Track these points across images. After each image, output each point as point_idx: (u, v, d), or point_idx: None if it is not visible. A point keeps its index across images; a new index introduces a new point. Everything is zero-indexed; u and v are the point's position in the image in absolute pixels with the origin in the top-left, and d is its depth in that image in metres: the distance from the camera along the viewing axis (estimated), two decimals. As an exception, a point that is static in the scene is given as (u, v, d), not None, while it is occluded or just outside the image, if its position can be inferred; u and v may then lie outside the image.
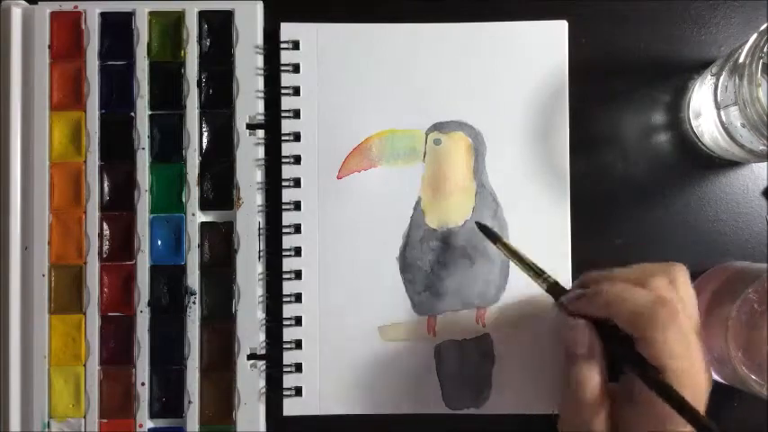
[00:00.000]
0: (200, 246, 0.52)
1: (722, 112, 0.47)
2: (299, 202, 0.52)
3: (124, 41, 0.53)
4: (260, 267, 0.52)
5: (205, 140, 0.53)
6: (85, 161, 0.52)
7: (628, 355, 0.43)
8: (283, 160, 0.53)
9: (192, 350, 0.52)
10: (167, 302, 0.52)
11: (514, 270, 0.52)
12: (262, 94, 0.53)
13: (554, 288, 0.48)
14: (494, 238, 0.51)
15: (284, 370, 0.52)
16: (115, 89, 0.53)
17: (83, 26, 0.52)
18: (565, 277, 0.52)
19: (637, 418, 0.43)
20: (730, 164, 0.52)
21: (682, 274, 0.45)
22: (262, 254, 0.52)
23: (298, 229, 0.52)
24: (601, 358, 0.44)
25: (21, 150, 0.52)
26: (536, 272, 0.48)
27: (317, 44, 0.53)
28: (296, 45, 0.53)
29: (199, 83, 0.53)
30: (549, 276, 0.48)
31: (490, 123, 0.52)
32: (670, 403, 0.41)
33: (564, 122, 0.52)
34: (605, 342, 0.44)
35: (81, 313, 0.52)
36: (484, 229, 0.51)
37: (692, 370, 0.42)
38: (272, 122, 0.53)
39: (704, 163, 0.53)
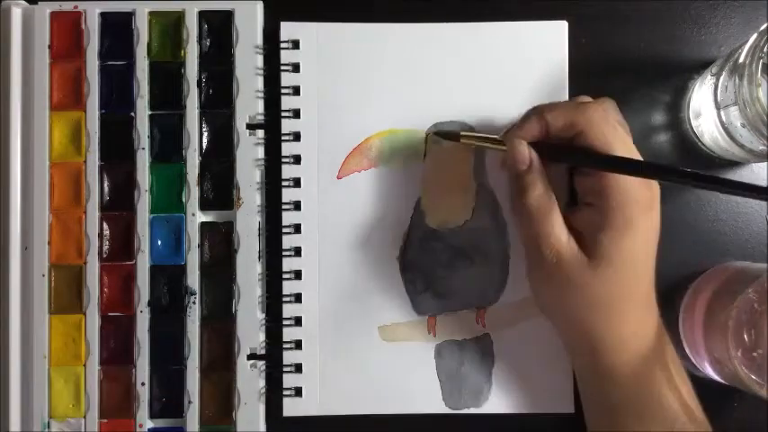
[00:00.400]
0: (200, 246, 0.52)
1: (722, 112, 0.47)
2: (299, 202, 0.52)
3: (124, 41, 0.53)
4: (260, 267, 0.52)
5: (205, 140, 0.53)
6: (85, 161, 0.52)
7: (569, 151, 0.47)
8: (283, 160, 0.52)
9: (192, 350, 0.52)
10: (167, 302, 0.52)
11: (514, 270, 0.52)
12: (262, 94, 0.53)
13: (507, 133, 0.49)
14: (454, 136, 0.51)
15: (284, 370, 0.52)
16: (115, 89, 0.53)
17: (83, 26, 0.52)
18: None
19: (597, 215, 0.45)
20: (730, 164, 0.52)
21: (610, 102, 0.48)
22: (262, 254, 0.52)
23: (297, 229, 0.52)
24: (540, 169, 0.47)
25: (21, 150, 0.52)
26: (490, 140, 0.50)
27: (316, 44, 0.53)
28: (296, 45, 0.53)
29: (199, 83, 0.53)
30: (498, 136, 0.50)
31: (490, 123, 0.52)
32: (626, 171, 0.44)
33: (564, 122, 0.52)
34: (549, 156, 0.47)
35: (81, 313, 0.52)
36: (441, 133, 0.52)
37: (630, 153, 0.45)
38: (272, 122, 0.53)
39: (704, 163, 0.53)
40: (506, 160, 0.48)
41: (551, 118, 0.46)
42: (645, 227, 0.45)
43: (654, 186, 0.45)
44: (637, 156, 0.46)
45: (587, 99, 0.48)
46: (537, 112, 0.47)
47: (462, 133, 0.50)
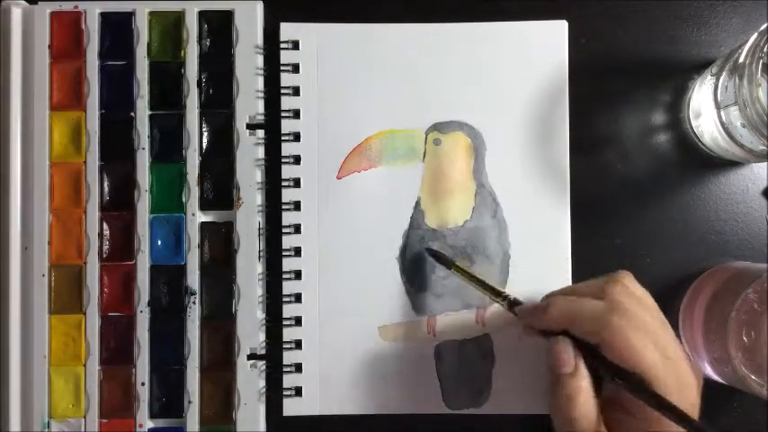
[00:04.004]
0: (200, 246, 0.52)
1: (722, 112, 0.47)
2: (299, 202, 0.52)
3: (124, 41, 0.53)
4: (260, 267, 0.52)
5: (205, 140, 0.53)
6: (85, 161, 0.52)
7: (601, 363, 0.43)
8: (283, 160, 0.53)
9: (192, 350, 0.52)
10: (167, 302, 0.52)
11: (514, 270, 0.52)
12: (262, 94, 0.53)
13: (513, 305, 0.48)
14: (448, 263, 0.51)
15: (284, 370, 0.52)
16: (115, 89, 0.53)
17: (83, 26, 0.52)
18: (565, 277, 0.52)
19: (631, 424, 0.43)
20: (730, 164, 0.52)
21: (628, 277, 0.46)
22: (262, 254, 0.52)
23: (297, 229, 0.52)
24: (587, 375, 0.44)
25: (21, 150, 0.52)
26: (495, 292, 0.49)
27: (316, 44, 0.53)
28: (296, 45, 0.53)
29: (199, 83, 0.53)
30: (509, 295, 0.49)
31: (490, 123, 0.52)
32: (646, 399, 0.41)
33: (564, 122, 0.52)
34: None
35: (81, 313, 0.52)
36: (435, 255, 0.52)
37: (673, 370, 0.42)
38: (271, 122, 0.53)
39: (704, 163, 0.53)
40: (524, 331, 0.47)
41: (572, 321, 0.44)
42: None
43: (691, 394, 0.43)
44: (668, 349, 0.43)
45: (611, 293, 0.44)
46: (558, 308, 0.45)
47: (458, 265, 0.51)
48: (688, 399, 0.42)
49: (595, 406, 0.43)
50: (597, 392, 0.44)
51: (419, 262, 0.52)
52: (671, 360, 0.42)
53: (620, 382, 0.42)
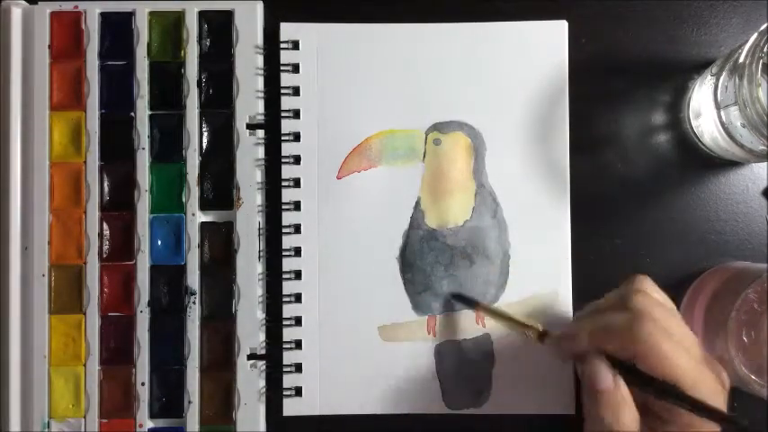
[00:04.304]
0: (200, 246, 0.52)
1: (722, 112, 0.47)
2: (299, 202, 0.52)
3: (124, 41, 0.53)
4: (260, 267, 0.52)
5: (205, 140, 0.53)
6: (85, 161, 0.52)
7: (637, 377, 0.43)
8: (283, 160, 0.53)
9: (192, 350, 0.52)
10: (167, 302, 0.52)
11: (514, 270, 0.52)
12: (262, 94, 0.53)
13: (543, 335, 0.48)
14: (472, 303, 0.52)
15: (284, 370, 0.52)
16: (115, 89, 0.53)
17: (83, 26, 0.52)
18: (565, 277, 0.52)
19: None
20: (730, 164, 0.52)
21: (647, 281, 0.46)
22: (262, 254, 0.52)
23: (297, 229, 0.52)
24: (624, 383, 0.43)
25: (21, 150, 0.52)
26: (522, 325, 0.49)
27: (316, 44, 0.53)
28: (295, 45, 0.53)
29: (199, 83, 0.53)
30: (537, 325, 0.48)
31: (490, 123, 0.53)
32: (689, 407, 0.41)
33: (564, 122, 0.52)
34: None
35: (81, 313, 0.52)
36: (460, 298, 0.52)
37: (698, 367, 0.42)
38: (271, 122, 0.53)
39: (704, 163, 0.53)
40: (557, 357, 0.48)
41: (603, 340, 0.44)
42: None
43: (725, 385, 0.43)
44: (698, 358, 0.43)
45: (636, 303, 0.44)
46: (586, 330, 0.45)
47: (483, 304, 0.51)
48: (719, 400, 0.42)
49: (637, 417, 0.43)
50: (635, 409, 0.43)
51: (419, 262, 0.52)
52: (701, 365, 0.42)
53: (660, 393, 0.42)
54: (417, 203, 0.52)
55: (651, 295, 0.45)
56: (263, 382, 0.52)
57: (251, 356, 0.52)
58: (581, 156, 0.53)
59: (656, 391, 0.42)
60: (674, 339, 0.42)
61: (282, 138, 0.53)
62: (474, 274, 0.52)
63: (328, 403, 0.52)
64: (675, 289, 0.52)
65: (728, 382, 0.44)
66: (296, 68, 0.53)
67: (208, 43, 0.53)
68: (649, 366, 0.42)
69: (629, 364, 0.43)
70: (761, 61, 0.43)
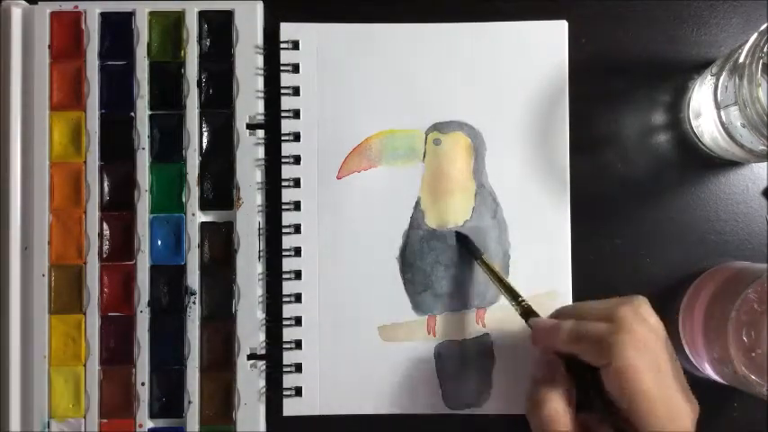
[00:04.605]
0: (200, 246, 0.52)
1: (722, 112, 0.47)
2: (299, 202, 0.52)
3: (124, 41, 0.53)
4: (260, 267, 0.52)
5: (205, 140, 0.53)
6: (85, 161, 0.52)
7: (586, 389, 0.44)
8: (283, 160, 0.52)
9: (192, 350, 0.52)
10: (167, 302, 0.52)
11: (514, 270, 0.52)
12: (262, 94, 0.53)
13: (527, 313, 0.48)
14: (475, 253, 0.51)
15: (284, 370, 0.52)
16: (115, 89, 0.53)
17: (83, 26, 0.52)
18: (565, 277, 0.52)
19: None
20: (730, 164, 0.52)
21: (645, 304, 0.45)
22: (262, 254, 0.52)
23: (298, 229, 0.52)
24: (563, 384, 0.44)
25: (21, 150, 0.52)
26: (512, 294, 0.49)
27: (316, 44, 0.53)
28: (295, 45, 0.53)
29: (199, 83, 0.53)
30: (524, 301, 0.49)
31: (490, 123, 0.53)
32: None
33: (564, 122, 0.52)
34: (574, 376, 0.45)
35: (81, 313, 0.52)
36: (464, 241, 0.52)
37: (667, 399, 0.42)
38: (271, 122, 0.53)
39: (704, 163, 0.53)
40: (532, 343, 0.47)
41: (583, 338, 0.44)
42: None
43: (690, 416, 0.43)
44: (673, 391, 0.43)
45: (625, 320, 0.44)
46: (570, 327, 0.45)
47: (484, 258, 0.51)
48: (678, 428, 0.42)
49: (567, 417, 0.43)
50: (573, 406, 0.44)
51: (419, 262, 0.52)
52: (667, 390, 0.42)
53: (608, 413, 0.43)
54: (417, 203, 0.52)
55: (642, 314, 0.44)
56: (263, 382, 0.52)
57: (251, 356, 0.52)
58: (581, 156, 0.53)
59: (600, 408, 0.43)
60: (646, 356, 0.42)
61: (282, 138, 0.53)
62: (474, 274, 0.52)
63: (328, 403, 0.52)
64: (675, 289, 0.52)
65: (696, 416, 0.43)
66: (296, 68, 0.53)
67: (208, 43, 0.53)
68: (613, 375, 0.42)
69: (593, 373, 0.43)
70: (761, 61, 0.43)
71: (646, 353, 0.42)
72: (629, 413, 0.41)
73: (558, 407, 0.43)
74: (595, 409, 0.45)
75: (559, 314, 0.47)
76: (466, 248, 0.52)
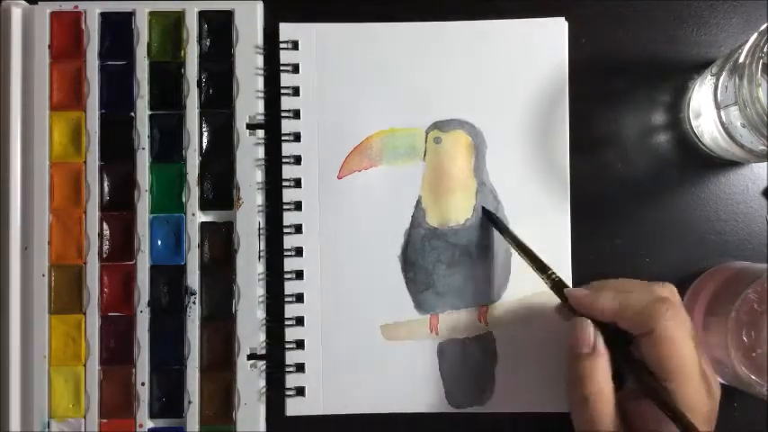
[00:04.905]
0: (200, 246, 0.52)
1: (722, 112, 0.47)
2: (300, 202, 0.52)
3: (124, 41, 0.53)
4: (260, 267, 0.52)
5: (205, 140, 0.53)
6: (85, 161, 0.52)
7: (627, 357, 0.44)
8: (283, 160, 0.52)
9: (192, 350, 0.52)
10: (167, 302, 0.52)
11: (516, 268, 0.52)
12: (262, 94, 0.53)
13: (558, 286, 0.48)
14: (501, 227, 0.51)
15: (286, 370, 0.52)
16: (115, 89, 0.53)
17: (83, 26, 0.52)
18: (565, 276, 0.52)
19: (644, 416, 0.44)
20: (730, 164, 0.53)
21: (675, 291, 0.46)
22: (262, 254, 0.52)
23: (299, 229, 0.52)
24: (605, 355, 0.45)
25: (21, 150, 0.52)
26: (541, 267, 0.49)
27: (315, 44, 0.53)
28: (295, 45, 0.53)
29: (199, 83, 0.53)
30: (554, 273, 0.49)
31: (490, 122, 0.53)
32: (663, 410, 0.42)
33: (564, 122, 0.52)
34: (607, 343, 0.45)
35: (81, 313, 0.52)
36: (491, 216, 0.52)
37: (702, 370, 0.43)
38: (271, 122, 0.53)
39: (704, 163, 0.53)
40: (560, 311, 0.48)
41: (623, 306, 0.44)
42: None
43: (716, 397, 0.44)
44: (701, 362, 0.44)
45: (662, 293, 0.45)
46: (611, 292, 0.45)
47: (512, 232, 0.51)
48: (711, 402, 0.43)
49: (611, 387, 0.44)
50: (616, 379, 0.44)
51: (420, 261, 0.52)
52: (701, 364, 0.43)
53: (642, 380, 0.43)
54: (418, 202, 0.52)
55: (674, 293, 0.46)
56: (263, 382, 0.52)
57: (251, 356, 0.52)
58: (581, 156, 0.53)
59: (639, 377, 0.43)
60: (687, 331, 0.43)
61: (282, 138, 0.53)
62: (476, 273, 0.52)
63: (331, 403, 0.52)
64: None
65: (718, 397, 0.44)
66: (296, 68, 0.53)
67: (208, 43, 0.53)
68: (655, 345, 0.43)
69: (628, 340, 0.44)
70: (761, 61, 0.44)
71: (685, 326, 0.43)
72: (669, 379, 0.42)
73: (604, 381, 0.44)
74: (629, 382, 0.46)
75: (591, 287, 0.48)
76: (493, 223, 0.52)
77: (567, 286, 0.48)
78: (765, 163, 0.52)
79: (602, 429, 0.44)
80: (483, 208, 0.52)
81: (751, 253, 0.53)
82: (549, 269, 0.49)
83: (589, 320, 0.45)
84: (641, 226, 0.53)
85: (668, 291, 0.45)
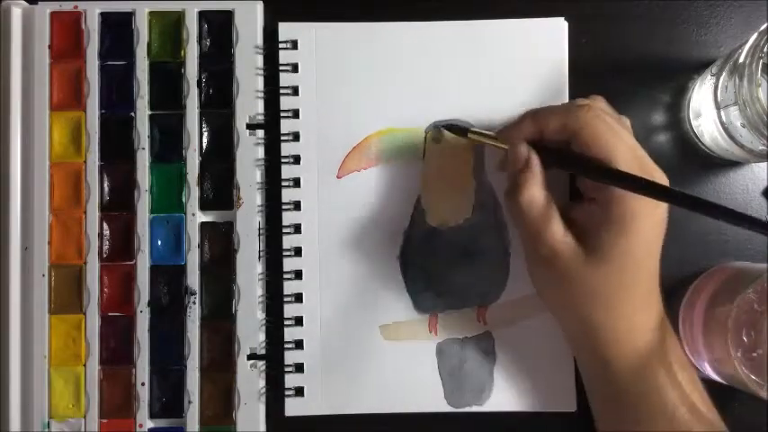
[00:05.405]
0: (200, 246, 0.52)
1: (722, 112, 0.47)
2: (299, 201, 0.52)
3: (124, 41, 0.53)
4: (260, 267, 0.52)
5: (205, 140, 0.53)
6: (85, 161, 0.52)
7: (568, 158, 0.46)
8: (283, 160, 0.52)
9: (192, 350, 0.52)
10: (167, 302, 0.52)
11: (515, 268, 0.52)
12: (262, 94, 0.53)
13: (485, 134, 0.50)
14: (463, 131, 0.50)
15: (285, 370, 0.52)
16: (115, 89, 0.53)
17: (83, 26, 0.52)
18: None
19: (598, 210, 0.46)
20: (730, 164, 0.52)
21: (601, 99, 0.49)
22: (262, 254, 0.52)
23: (298, 229, 0.52)
24: (536, 168, 0.46)
25: (21, 150, 0.52)
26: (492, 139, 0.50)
27: (315, 44, 0.53)
28: (294, 45, 0.53)
29: (199, 83, 0.53)
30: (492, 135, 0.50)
31: (490, 122, 0.52)
32: (621, 184, 0.44)
33: (564, 122, 0.52)
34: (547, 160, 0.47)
35: (81, 313, 0.52)
36: (449, 127, 0.52)
37: (633, 151, 0.45)
38: (271, 122, 0.53)
39: (704, 163, 0.53)
40: (504, 161, 0.49)
41: (544, 120, 0.46)
42: (647, 224, 0.44)
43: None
44: (637, 150, 0.45)
45: (584, 101, 0.47)
46: (531, 113, 0.47)
47: (471, 129, 0.50)
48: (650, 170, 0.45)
49: (546, 195, 0.46)
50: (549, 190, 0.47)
51: (420, 260, 0.52)
52: (639, 157, 0.45)
53: (592, 172, 0.45)
54: (418, 202, 0.52)
55: (601, 103, 0.48)
56: (263, 382, 0.52)
57: (251, 356, 0.52)
58: (581, 156, 0.53)
59: (587, 169, 0.46)
60: (613, 130, 0.45)
61: (282, 137, 0.53)
62: (475, 273, 0.52)
63: (330, 403, 0.52)
64: (675, 289, 0.52)
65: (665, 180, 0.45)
66: (295, 68, 0.53)
67: (208, 43, 0.53)
68: (585, 146, 0.44)
69: (559, 147, 0.46)
70: (761, 61, 0.44)
71: (612, 127, 0.45)
72: (607, 161, 0.44)
73: (536, 189, 0.46)
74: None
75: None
76: (453, 131, 0.51)
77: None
78: (765, 163, 0.52)
79: (547, 228, 0.45)
80: (440, 125, 0.52)
81: (751, 253, 0.53)
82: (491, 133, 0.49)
83: (522, 140, 0.47)
84: (641, 226, 0.53)
85: (590, 100, 0.47)
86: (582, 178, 0.48)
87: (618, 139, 0.44)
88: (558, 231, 0.46)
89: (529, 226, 0.46)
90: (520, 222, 0.47)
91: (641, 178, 0.43)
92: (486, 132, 0.50)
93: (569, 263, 0.45)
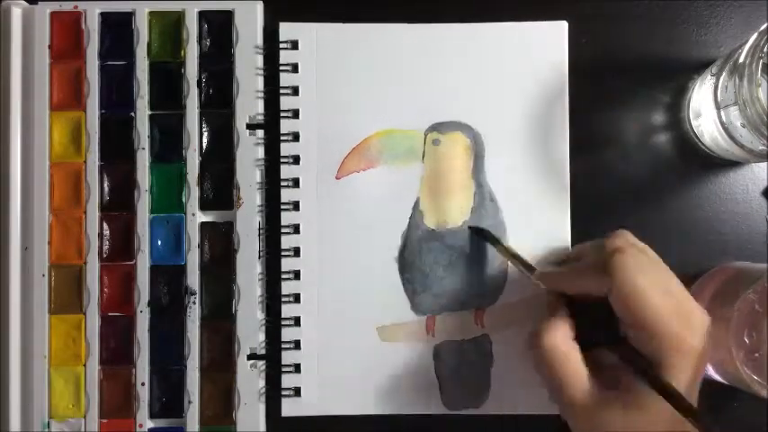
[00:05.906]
0: (200, 246, 0.52)
1: (722, 112, 0.47)
2: (298, 202, 0.52)
3: (124, 41, 0.53)
4: (260, 267, 0.52)
5: (205, 140, 0.53)
6: (85, 161, 0.52)
7: (607, 336, 0.45)
8: (282, 160, 0.52)
9: (192, 350, 0.52)
10: (167, 302, 0.52)
11: (513, 271, 0.52)
12: (262, 94, 0.53)
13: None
14: (492, 240, 0.51)
15: (283, 370, 0.52)
16: (115, 89, 0.53)
17: (83, 26, 0.53)
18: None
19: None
20: (730, 164, 0.52)
21: (627, 233, 0.47)
22: (262, 254, 0.52)
23: (296, 229, 0.52)
24: (563, 315, 0.45)
25: (21, 150, 0.52)
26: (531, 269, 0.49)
27: (315, 44, 0.53)
28: (294, 45, 0.53)
29: (199, 83, 0.53)
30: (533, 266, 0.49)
31: (489, 124, 0.52)
32: (656, 390, 0.41)
33: (564, 122, 0.52)
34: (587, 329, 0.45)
35: (81, 313, 0.52)
36: (479, 232, 0.52)
37: (678, 304, 0.43)
38: (271, 122, 0.53)
39: (704, 163, 0.53)
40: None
41: (579, 286, 0.46)
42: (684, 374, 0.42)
43: (699, 327, 0.43)
44: (672, 286, 0.44)
45: (614, 245, 0.45)
46: (570, 271, 0.47)
47: (502, 243, 0.51)
48: (695, 337, 0.42)
49: (568, 345, 0.44)
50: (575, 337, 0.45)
51: (418, 262, 0.52)
52: (676, 300, 0.43)
53: (627, 358, 0.43)
54: (416, 204, 0.52)
55: (629, 239, 0.46)
56: (262, 383, 0.52)
57: (251, 356, 0.52)
58: (581, 156, 0.53)
59: (626, 359, 0.43)
60: (647, 275, 0.43)
61: (282, 138, 0.53)
62: (472, 275, 0.52)
63: (327, 404, 0.52)
64: (676, 289, 0.52)
65: (707, 322, 0.44)
66: (295, 68, 0.53)
67: (208, 43, 0.53)
68: (621, 302, 0.42)
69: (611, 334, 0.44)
70: (761, 61, 0.43)
71: (646, 271, 0.43)
72: (644, 328, 0.42)
73: (557, 334, 0.44)
74: (605, 341, 0.45)
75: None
76: (484, 238, 0.52)
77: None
78: (765, 163, 0.52)
79: (568, 381, 0.44)
80: (469, 227, 0.52)
81: (751, 253, 0.53)
82: (528, 262, 0.49)
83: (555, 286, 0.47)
84: (641, 226, 0.52)
85: (619, 239, 0.45)
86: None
87: (655, 293, 0.42)
88: (579, 383, 0.44)
89: (551, 376, 0.44)
90: (542, 370, 0.45)
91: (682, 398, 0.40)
92: (514, 252, 0.51)
93: (593, 414, 0.43)
